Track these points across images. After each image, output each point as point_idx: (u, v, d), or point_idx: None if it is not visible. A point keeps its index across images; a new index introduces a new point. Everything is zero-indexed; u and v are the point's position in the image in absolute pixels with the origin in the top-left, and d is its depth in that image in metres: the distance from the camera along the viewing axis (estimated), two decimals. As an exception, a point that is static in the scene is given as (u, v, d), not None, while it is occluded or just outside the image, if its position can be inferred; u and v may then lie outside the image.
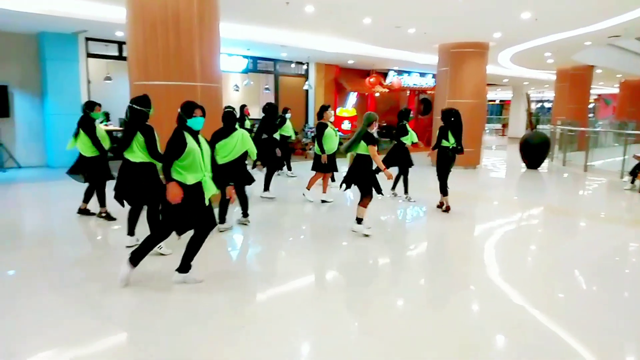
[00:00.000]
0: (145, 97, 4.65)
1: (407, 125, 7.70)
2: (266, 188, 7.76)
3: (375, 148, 5.46)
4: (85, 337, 3.09)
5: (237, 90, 16.72)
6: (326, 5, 8.39)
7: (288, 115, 9.86)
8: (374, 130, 5.54)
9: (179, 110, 3.93)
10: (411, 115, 8.28)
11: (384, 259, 5.11)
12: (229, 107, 5.87)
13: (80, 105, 10.39)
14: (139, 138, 4.54)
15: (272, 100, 14.85)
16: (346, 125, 15.00)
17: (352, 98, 16.98)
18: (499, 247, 5.57)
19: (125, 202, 4.82)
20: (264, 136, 7.99)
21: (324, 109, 7.49)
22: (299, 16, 9.21)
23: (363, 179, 5.55)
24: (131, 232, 4.93)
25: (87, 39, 10.77)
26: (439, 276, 4.52)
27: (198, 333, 3.15)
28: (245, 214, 6.04)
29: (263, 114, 8.17)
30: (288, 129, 9.75)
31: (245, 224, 6.03)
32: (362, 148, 5.46)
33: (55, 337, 3.07)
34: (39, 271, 4.33)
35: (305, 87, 15.24)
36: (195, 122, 3.88)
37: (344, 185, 5.68)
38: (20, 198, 7.99)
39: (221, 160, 5.36)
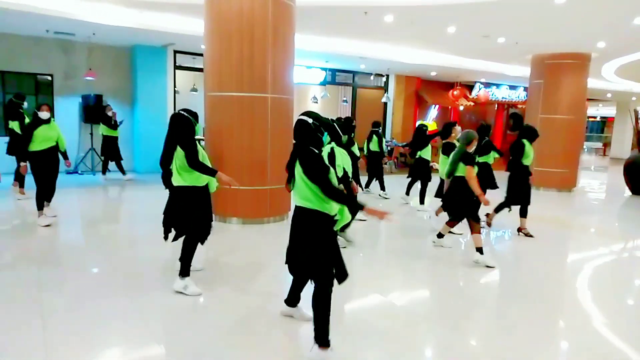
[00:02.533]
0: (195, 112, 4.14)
1: (490, 142, 7.04)
2: None
3: (474, 170, 5.00)
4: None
5: (316, 102, 16.77)
6: (407, 14, 7.99)
7: (380, 130, 9.18)
8: (472, 149, 5.07)
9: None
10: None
11: (470, 282, 4.64)
12: (336, 119, 5.53)
13: (166, 113, 11.03)
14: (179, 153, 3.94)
15: (349, 113, 14.64)
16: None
17: (433, 111, 16.27)
18: (593, 279, 4.88)
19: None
20: None
21: (450, 125, 6.68)
22: (378, 26, 8.89)
23: (468, 204, 5.06)
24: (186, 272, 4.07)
25: (176, 52, 11.29)
26: (528, 304, 3.96)
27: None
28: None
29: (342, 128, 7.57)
30: (376, 144, 8.98)
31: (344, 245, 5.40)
32: (461, 169, 5.05)
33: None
34: (115, 271, 4.44)
35: (384, 100, 14.83)
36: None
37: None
38: (108, 200, 8.51)
39: None
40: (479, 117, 17.43)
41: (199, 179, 3.99)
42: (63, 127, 10.53)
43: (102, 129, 9.92)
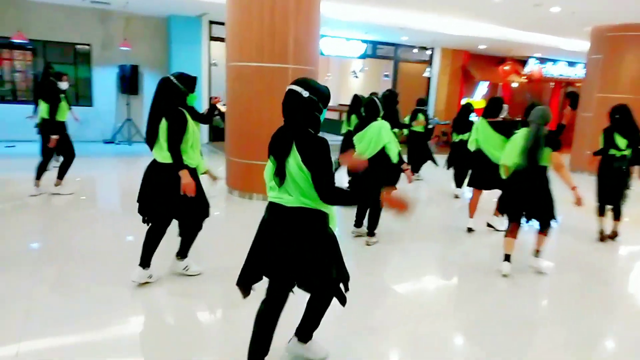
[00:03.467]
0: (192, 78, 3.47)
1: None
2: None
3: (561, 157, 4.00)
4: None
5: (357, 77, 16.25)
6: (447, -21, 7.35)
7: (425, 108, 8.36)
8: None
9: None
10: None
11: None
12: (374, 93, 4.97)
13: (200, 85, 10.98)
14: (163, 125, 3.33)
15: (390, 88, 14.03)
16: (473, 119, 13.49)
17: (482, 88, 15.32)
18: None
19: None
20: None
21: (499, 101, 5.49)
22: (418, -6, 8.29)
23: (546, 200, 4.08)
24: (146, 262, 3.55)
25: (211, 22, 11.12)
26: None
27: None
28: (371, 233, 4.87)
29: (383, 103, 6.63)
30: (428, 124, 8.22)
31: (368, 244, 4.84)
32: (545, 157, 4.00)
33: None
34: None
35: (426, 74, 14.06)
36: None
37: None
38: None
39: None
40: (534, 96, 16.27)
41: (189, 159, 3.38)
42: (101, 97, 10.90)
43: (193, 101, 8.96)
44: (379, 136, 4.50)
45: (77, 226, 5.04)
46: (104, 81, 10.72)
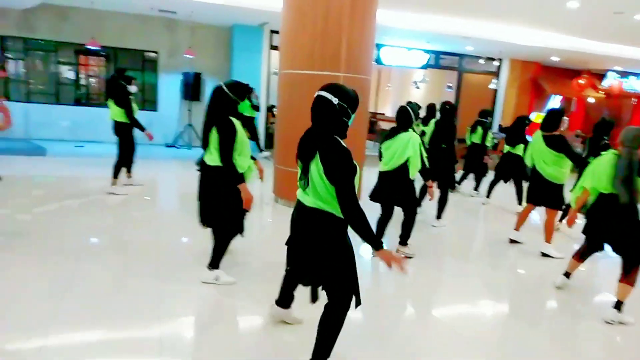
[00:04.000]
0: (243, 86, 3.60)
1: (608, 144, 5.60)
2: (439, 215, 6.03)
3: None
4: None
5: (418, 88, 15.82)
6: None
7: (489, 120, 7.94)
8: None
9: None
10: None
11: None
12: (410, 102, 4.75)
13: (260, 93, 11.13)
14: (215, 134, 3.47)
15: (453, 100, 13.50)
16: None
17: (554, 102, 14.33)
18: None
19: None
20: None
21: (559, 114, 4.99)
22: (487, 2, 7.86)
23: (633, 236, 3.53)
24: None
25: (272, 32, 11.26)
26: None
27: None
28: (403, 242, 4.67)
29: (440, 116, 6.18)
30: (480, 136, 7.71)
31: (410, 257, 4.63)
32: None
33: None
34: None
35: (492, 86, 13.36)
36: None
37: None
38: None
39: (382, 166, 4.49)
40: (612, 113, 15.00)
41: (239, 164, 3.45)
42: (165, 102, 11.33)
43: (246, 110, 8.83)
44: (405, 148, 4.31)
45: (141, 224, 5.29)
46: (169, 87, 11.15)
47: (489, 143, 7.79)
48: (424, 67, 13.01)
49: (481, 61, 13.30)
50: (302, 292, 2.85)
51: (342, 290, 2.37)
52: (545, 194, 4.97)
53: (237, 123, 3.47)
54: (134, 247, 4.43)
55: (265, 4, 8.86)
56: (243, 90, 3.54)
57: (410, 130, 4.37)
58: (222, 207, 3.50)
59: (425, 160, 4.44)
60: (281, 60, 6.29)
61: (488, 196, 7.50)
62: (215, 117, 3.43)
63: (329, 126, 2.26)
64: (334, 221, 2.32)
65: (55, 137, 10.22)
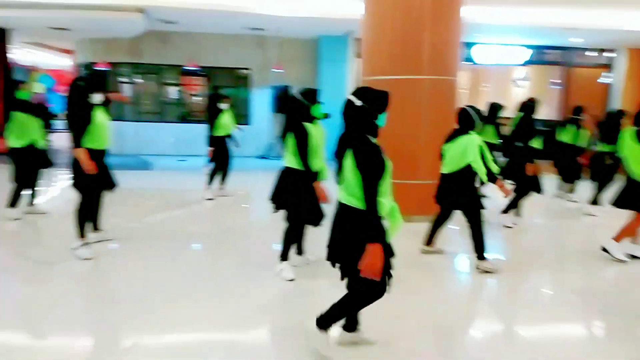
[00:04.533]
0: (313, 91, 3.87)
1: None
2: (507, 210, 5.80)
3: None
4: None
5: (519, 86, 14.69)
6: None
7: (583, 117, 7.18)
8: None
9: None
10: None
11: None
12: (470, 106, 4.41)
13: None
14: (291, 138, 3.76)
15: (557, 97, 12.33)
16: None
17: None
18: None
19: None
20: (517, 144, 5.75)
21: None
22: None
23: None
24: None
25: (357, 39, 11.18)
26: None
27: None
28: (480, 256, 4.26)
29: (520, 113, 5.81)
30: (572, 135, 7.08)
31: (479, 269, 4.22)
32: None
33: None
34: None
35: (603, 80, 11.87)
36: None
37: None
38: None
39: (442, 168, 4.36)
40: None
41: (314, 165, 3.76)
42: (257, 116, 11.79)
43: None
44: (464, 152, 4.09)
45: (241, 231, 5.61)
46: (260, 101, 11.58)
47: (583, 143, 7.02)
48: (526, 63, 12.05)
49: (591, 53, 11.96)
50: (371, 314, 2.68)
51: (359, 283, 2.49)
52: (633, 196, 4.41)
53: (311, 127, 3.73)
54: (236, 252, 4.68)
55: (349, 13, 8.83)
56: (313, 95, 3.81)
57: (470, 133, 4.14)
58: (296, 200, 3.77)
59: (490, 163, 4.15)
60: (363, 66, 6.17)
61: (595, 203, 6.50)
62: (290, 123, 3.75)
63: (356, 126, 2.46)
64: (363, 216, 2.42)
65: (161, 152, 11.11)
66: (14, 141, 5.28)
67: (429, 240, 4.60)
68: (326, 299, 2.68)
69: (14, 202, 5.44)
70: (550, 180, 7.67)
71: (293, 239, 3.93)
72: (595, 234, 5.70)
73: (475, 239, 4.21)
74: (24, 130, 5.28)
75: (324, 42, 11.04)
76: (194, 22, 9.78)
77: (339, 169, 2.53)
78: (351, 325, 2.84)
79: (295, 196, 3.76)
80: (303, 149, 3.67)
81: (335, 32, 10.58)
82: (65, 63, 15.11)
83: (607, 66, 12.20)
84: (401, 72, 5.59)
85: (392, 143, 5.60)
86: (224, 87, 11.28)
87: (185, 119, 11.70)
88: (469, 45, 11.67)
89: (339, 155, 2.53)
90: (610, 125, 6.46)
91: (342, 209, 2.53)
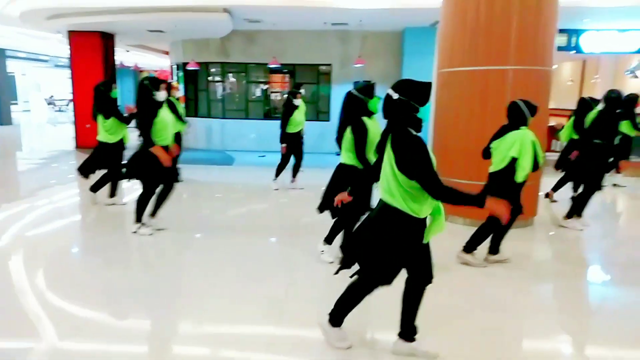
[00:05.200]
0: (369, 86, 3.90)
1: None
2: (571, 215, 5.37)
3: None
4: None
5: (636, 77, 12.94)
6: None
7: None
8: None
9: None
10: None
11: None
12: (523, 99, 4.05)
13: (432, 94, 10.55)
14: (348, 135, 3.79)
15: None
16: None
17: None
18: None
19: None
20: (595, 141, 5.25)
21: None
22: None
23: None
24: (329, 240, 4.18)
25: (446, 30, 10.57)
26: None
27: None
28: (469, 249, 4.15)
29: (604, 107, 5.33)
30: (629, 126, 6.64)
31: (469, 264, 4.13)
32: None
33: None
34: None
35: None
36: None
37: None
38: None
39: (491, 167, 4.05)
40: None
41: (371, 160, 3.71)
42: (337, 112, 11.60)
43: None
44: (510, 149, 3.85)
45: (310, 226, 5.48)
46: (341, 97, 11.39)
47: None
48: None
49: None
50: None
51: (369, 271, 2.51)
52: None
53: (369, 121, 3.69)
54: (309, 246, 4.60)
55: (436, 3, 8.31)
56: (370, 89, 3.78)
57: (522, 128, 3.88)
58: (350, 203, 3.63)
59: (540, 159, 3.91)
60: (439, 58, 5.74)
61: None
62: (348, 118, 3.75)
63: (396, 120, 2.36)
64: (400, 217, 2.36)
65: (244, 148, 11.44)
66: (107, 137, 5.66)
67: (493, 249, 4.21)
68: (381, 294, 2.64)
69: (112, 192, 5.97)
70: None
71: (340, 229, 3.98)
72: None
73: (481, 233, 4.06)
74: (117, 128, 5.66)
75: (409, 34, 10.57)
76: (277, 20, 9.87)
77: (379, 163, 2.50)
78: (407, 334, 2.68)
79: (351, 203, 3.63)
80: (361, 144, 3.63)
81: (421, 24, 10.07)
82: (165, 64, 16.26)
83: None
84: (483, 62, 5.09)
85: (471, 141, 5.17)
86: (305, 84, 11.38)
87: (267, 115, 11.93)
88: (576, 32, 10.47)
89: (379, 148, 2.50)
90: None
91: (381, 205, 2.45)
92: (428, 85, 2.36)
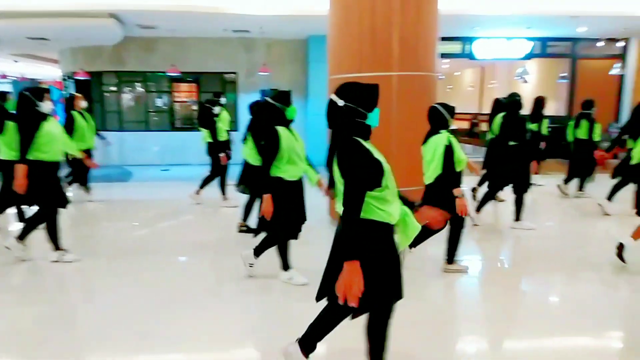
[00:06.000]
0: (285, 93, 3.73)
1: None
2: (517, 217, 5.44)
3: None
4: None
5: (526, 82, 13.94)
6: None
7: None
8: None
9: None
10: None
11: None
12: (441, 103, 4.10)
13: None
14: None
15: (566, 92, 11.58)
16: None
17: None
18: None
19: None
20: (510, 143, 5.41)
21: None
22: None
23: None
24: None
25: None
26: None
27: None
28: (450, 260, 4.11)
29: (507, 110, 5.59)
30: (595, 132, 6.96)
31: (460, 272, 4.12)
32: None
33: None
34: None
35: (614, 72, 11.00)
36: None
37: None
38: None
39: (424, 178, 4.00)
40: None
41: (291, 171, 3.59)
42: (244, 122, 11.33)
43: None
44: (433, 154, 3.83)
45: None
46: (246, 106, 11.13)
47: (597, 137, 6.91)
48: (527, 57, 11.33)
49: (600, 44, 11.18)
50: None
51: (376, 301, 2.17)
52: None
53: (283, 130, 3.56)
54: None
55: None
56: (286, 97, 3.66)
57: (442, 132, 3.86)
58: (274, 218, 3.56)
59: (459, 163, 3.85)
60: (329, 64, 5.68)
61: (610, 199, 6.19)
62: (260, 126, 3.85)
63: (342, 129, 2.12)
64: (373, 227, 2.12)
65: (147, 162, 10.76)
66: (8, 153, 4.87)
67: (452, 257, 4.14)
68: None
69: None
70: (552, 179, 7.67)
71: (274, 244, 3.77)
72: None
73: (452, 243, 4.03)
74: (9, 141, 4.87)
75: (314, 42, 10.54)
76: (174, 26, 9.41)
77: (331, 177, 2.24)
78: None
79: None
80: (270, 154, 3.50)
81: (324, 31, 10.03)
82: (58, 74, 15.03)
83: (619, 57, 11.39)
84: (369, 69, 5.07)
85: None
86: (211, 92, 10.96)
87: (171, 127, 11.35)
88: (469, 40, 11.06)
89: (328, 162, 2.24)
90: (636, 120, 5.82)
91: (341, 219, 2.14)
92: (375, 87, 2.16)
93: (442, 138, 3.80)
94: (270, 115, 3.60)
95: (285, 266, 3.82)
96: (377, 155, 2.12)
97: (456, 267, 4.11)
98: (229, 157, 6.66)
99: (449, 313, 3.55)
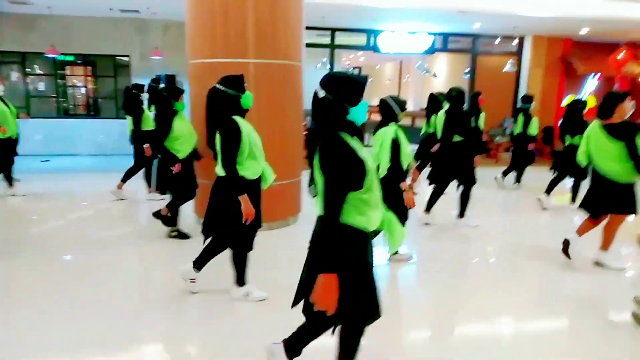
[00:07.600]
0: (237, 77, 3.20)
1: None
2: (462, 213, 5.46)
3: None
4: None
5: (435, 76, 14.29)
6: None
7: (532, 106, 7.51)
8: None
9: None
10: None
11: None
12: (392, 96, 4.08)
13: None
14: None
15: (466, 87, 11.90)
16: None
17: (591, 83, 12.30)
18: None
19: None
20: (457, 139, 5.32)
21: (616, 98, 3.99)
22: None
23: None
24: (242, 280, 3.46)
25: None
26: None
27: None
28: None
29: (449, 105, 5.40)
30: (532, 126, 7.32)
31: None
32: None
33: None
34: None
35: (507, 68, 11.42)
36: None
37: None
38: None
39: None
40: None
41: (252, 168, 3.16)
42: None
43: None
44: (381, 147, 3.88)
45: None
46: (144, 92, 10.52)
47: (533, 131, 7.30)
48: (429, 51, 11.51)
49: (497, 41, 11.58)
50: None
51: (349, 309, 2.05)
52: (612, 198, 4.02)
53: (243, 122, 3.12)
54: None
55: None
56: (239, 82, 3.14)
57: (391, 124, 3.92)
58: (227, 221, 3.16)
59: (405, 157, 3.90)
60: (187, 49, 5.33)
61: (548, 193, 6.48)
62: (215, 119, 3.12)
63: (324, 123, 1.97)
64: (349, 233, 1.98)
65: (26, 152, 9.81)
66: None
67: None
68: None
69: None
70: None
71: (242, 265, 3.36)
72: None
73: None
74: None
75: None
76: (51, 3, 8.56)
77: (311, 175, 2.06)
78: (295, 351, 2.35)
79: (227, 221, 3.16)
80: (232, 150, 3.03)
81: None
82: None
83: (516, 54, 11.87)
84: (223, 54, 4.80)
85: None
86: (102, 77, 10.24)
87: (65, 113, 10.47)
88: (374, 32, 11.06)
89: (309, 158, 2.07)
90: (570, 117, 6.19)
91: (320, 221, 2.01)
92: (359, 80, 1.98)
93: (390, 131, 3.87)
94: (224, 105, 3.10)
95: (241, 281, 3.37)
96: (362, 154, 1.97)
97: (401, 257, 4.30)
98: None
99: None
